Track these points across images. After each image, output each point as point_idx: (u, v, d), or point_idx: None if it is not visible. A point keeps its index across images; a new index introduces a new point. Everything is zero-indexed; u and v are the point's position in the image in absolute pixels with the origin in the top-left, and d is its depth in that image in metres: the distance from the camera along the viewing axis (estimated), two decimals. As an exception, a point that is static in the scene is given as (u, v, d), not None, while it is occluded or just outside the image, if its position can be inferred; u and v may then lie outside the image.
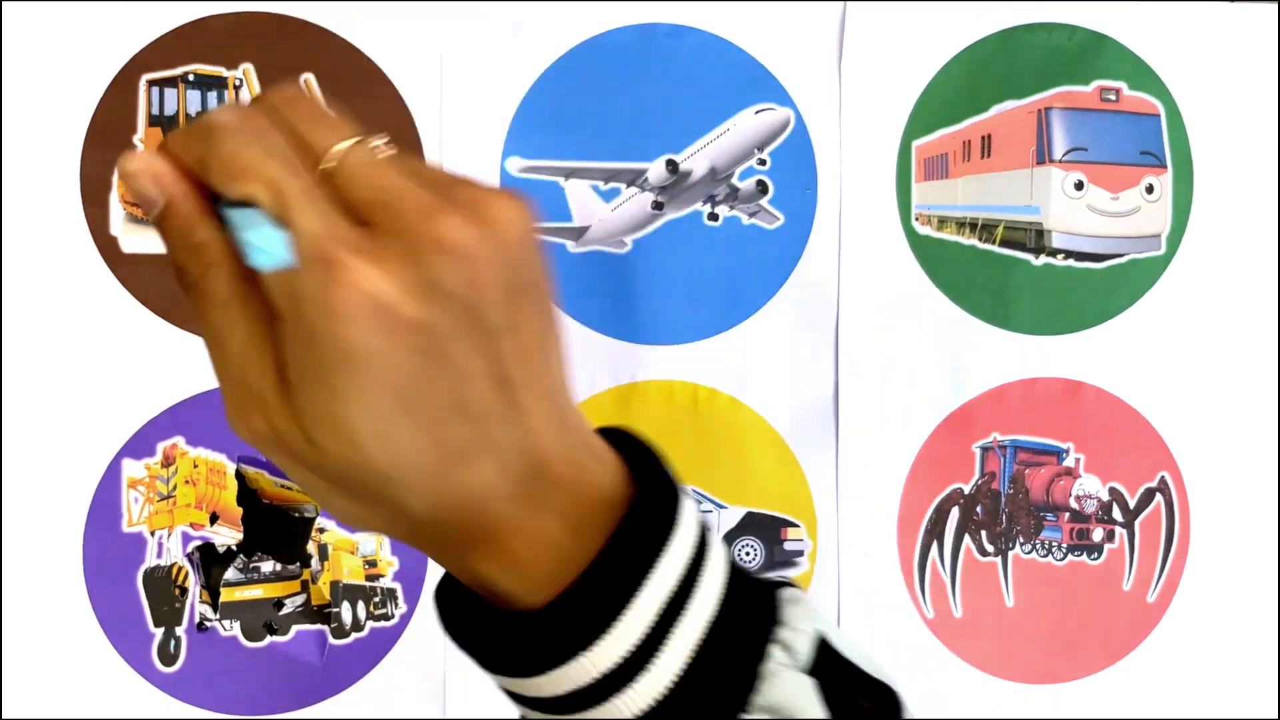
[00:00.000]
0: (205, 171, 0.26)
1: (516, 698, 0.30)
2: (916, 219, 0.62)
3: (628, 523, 0.29)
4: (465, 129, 0.59)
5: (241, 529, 0.59)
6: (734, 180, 0.61)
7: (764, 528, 0.62)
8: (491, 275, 0.26)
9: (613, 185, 0.60)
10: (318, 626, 0.60)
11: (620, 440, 0.32)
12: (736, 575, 0.31)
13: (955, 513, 0.63)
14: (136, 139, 0.57)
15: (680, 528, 0.30)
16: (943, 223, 0.62)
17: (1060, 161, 0.62)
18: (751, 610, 0.31)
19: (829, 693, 0.30)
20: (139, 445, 0.58)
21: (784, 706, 0.29)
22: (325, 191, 0.26)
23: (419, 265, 0.25)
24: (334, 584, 0.60)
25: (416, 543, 0.29)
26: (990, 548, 0.64)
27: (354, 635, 0.60)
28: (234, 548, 0.59)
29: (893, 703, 0.32)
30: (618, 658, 0.28)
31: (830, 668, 0.31)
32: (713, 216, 0.61)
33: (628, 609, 0.28)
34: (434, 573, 0.60)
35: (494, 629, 0.29)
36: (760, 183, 0.61)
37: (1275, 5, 0.62)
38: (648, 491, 0.30)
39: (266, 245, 0.25)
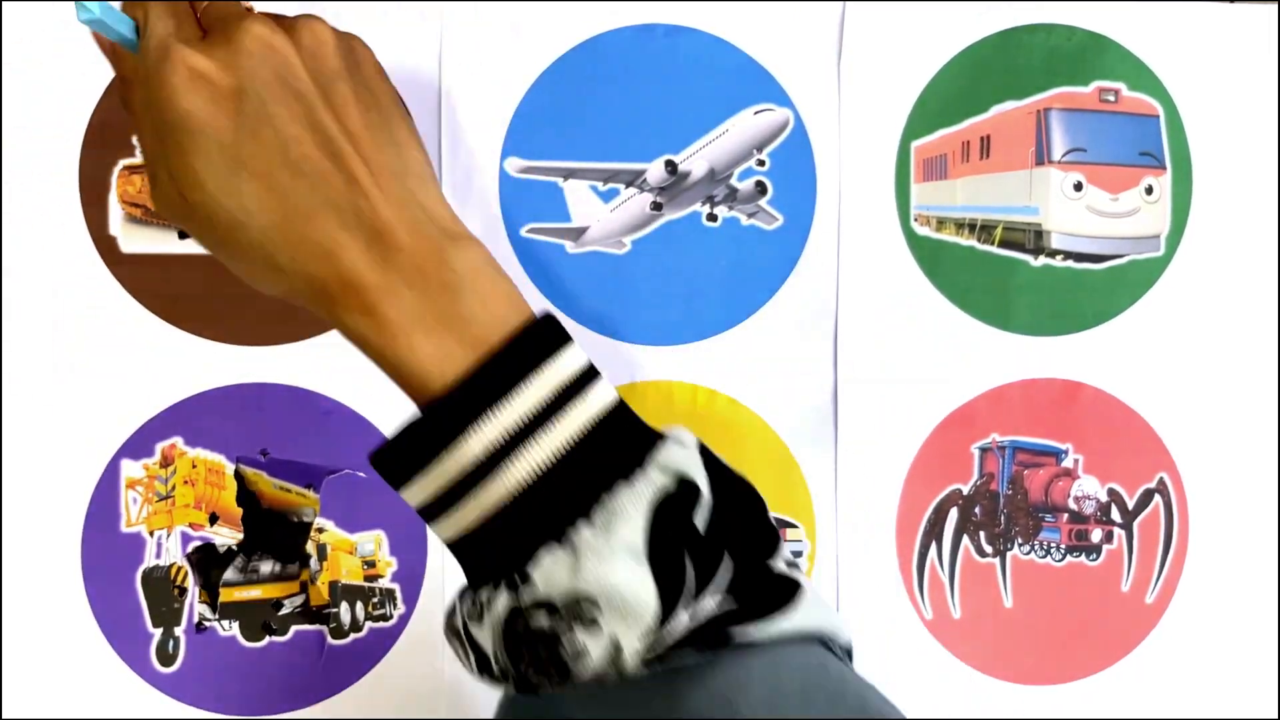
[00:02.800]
0: None
1: (439, 510, 0.37)
2: (915, 220, 0.62)
3: (529, 328, 0.36)
4: (464, 129, 0.59)
5: (240, 529, 0.59)
6: (733, 181, 0.61)
7: (763, 528, 0.62)
8: (296, 60, 0.36)
9: (611, 186, 0.60)
10: (316, 627, 0.60)
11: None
12: (624, 403, 0.38)
13: (954, 513, 0.63)
14: (135, 138, 0.57)
15: (574, 345, 0.37)
16: (942, 223, 0.62)
17: (1059, 162, 0.62)
18: (640, 421, 0.38)
19: (711, 472, 0.37)
20: (138, 445, 0.58)
21: (674, 464, 0.36)
22: (186, 17, 0.37)
23: (232, 46, 0.35)
24: (333, 584, 0.60)
25: (299, 298, 0.36)
26: (989, 548, 0.64)
27: (352, 636, 0.60)
28: (233, 548, 0.59)
29: (761, 501, 0.39)
30: (512, 425, 0.35)
31: (712, 459, 0.38)
32: (712, 217, 0.61)
33: (525, 385, 0.35)
34: (433, 573, 0.60)
35: (404, 431, 0.36)
36: (759, 183, 0.61)
37: (1275, 6, 0.62)
38: (548, 318, 0.37)
39: (121, 31, 0.36)
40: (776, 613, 0.36)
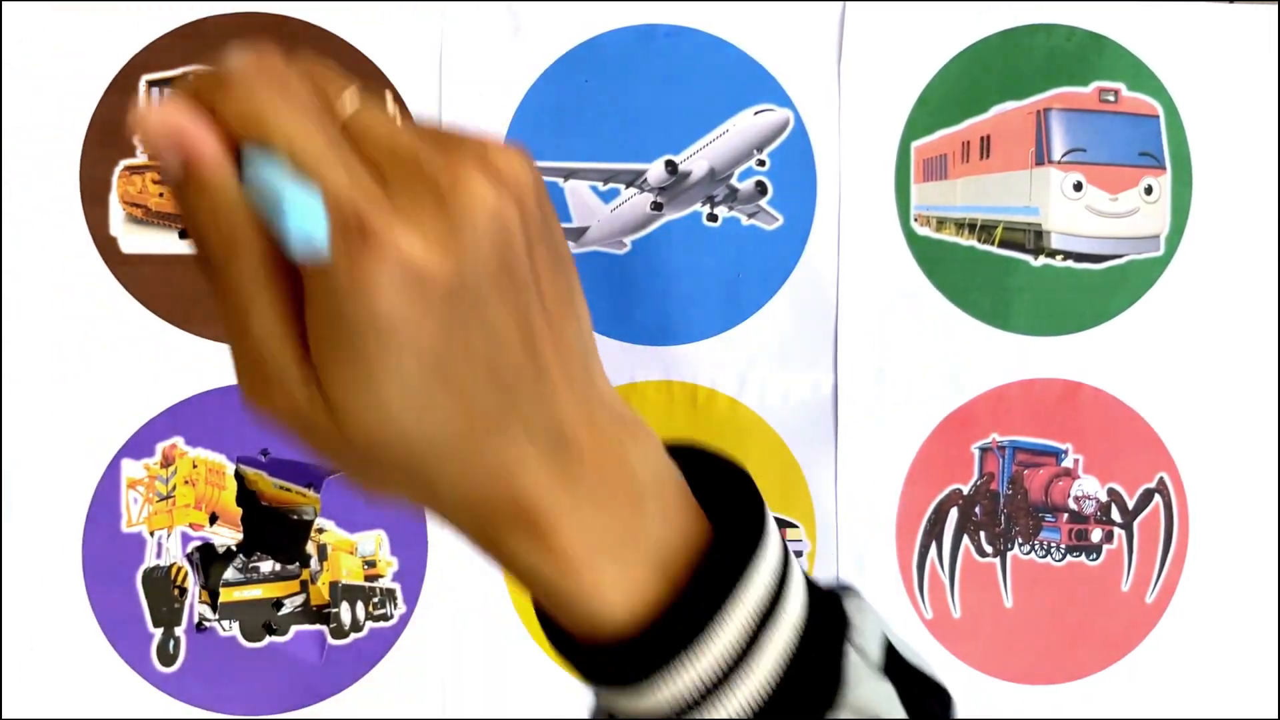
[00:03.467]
0: (219, 123, 0.23)
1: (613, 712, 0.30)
2: (915, 220, 0.62)
3: (721, 533, 0.29)
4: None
5: (241, 529, 0.59)
6: (733, 181, 0.61)
7: (763, 528, 0.62)
8: (517, 228, 0.25)
9: (612, 186, 0.60)
10: (317, 627, 0.60)
11: (697, 456, 0.31)
12: (810, 584, 0.31)
13: (954, 513, 0.63)
14: (136, 139, 0.57)
15: (768, 537, 0.29)
16: (942, 223, 0.62)
17: (1059, 162, 0.62)
18: (827, 616, 0.31)
19: (902, 694, 0.30)
20: (138, 445, 0.58)
21: (868, 708, 0.29)
22: (351, 154, 0.24)
23: (454, 220, 0.24)
24: (333, 584, 0.60)
25: (451, 518, 0.28)
26: (989, 548, 0.64)
27: (353, 635, 0.60)
28: (233, 548, 0.59)
29: (948, 702, 0.32)
30: (715, 668, 0.28)
31: (898, 669, 0.31)
32: (712, 217, 0.61)
33: (726, 615, 0.28)
34: (433, 573, 0.60)
35: (593, 643, 0.28)
36: (759, 183, 0.61)
37: (1275, 6, 0.62)
38: (737, 499, 0.30)
39: (302, 218, 0.22)
40: None
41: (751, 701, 0.28)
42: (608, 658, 0.28)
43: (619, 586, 0.28)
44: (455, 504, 0.27)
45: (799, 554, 0.62)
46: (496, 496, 0.27)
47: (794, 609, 0.29)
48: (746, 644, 0.28)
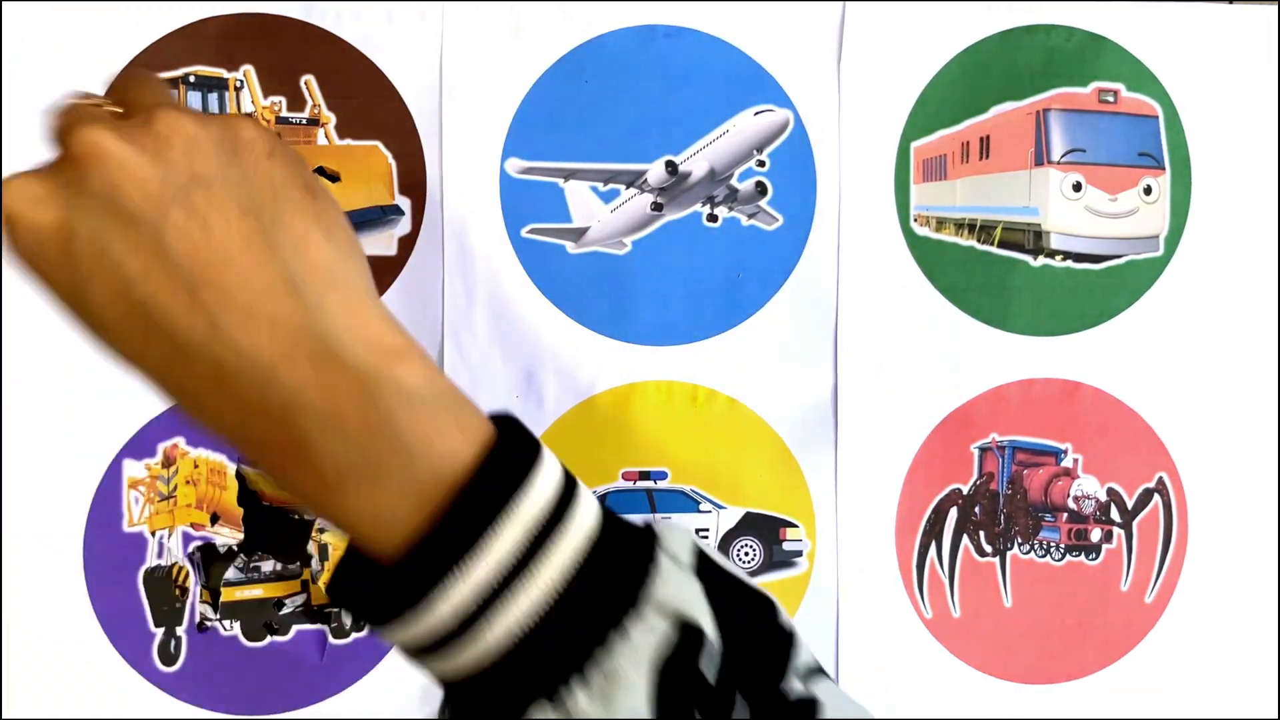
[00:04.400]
0: None
1: (420, 656, 0.31)
2: (915, 220, 0.62)
3: (499, 448, 0.31)
4: (465, 130, 0.59)
5: (242, 529, 0.59)
6: (733, 181, 0.61)
7: (763, 528, 0.62)
8: (137, 174, 0.29)
9: (612, 186, 0.60)
10: (318, 626, 0.60)
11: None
12: (611, 512, 0.33)
13: (954, 513, 0.64)
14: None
15: (542, 462, 0.31)
16: (941, 224, 0.62)
17: (1058, 163, 0.62)
18: (632, 532, 0.33)
19: (712, 594, 0.32)
20: (140, 445, 0.58)
21: (670, 602, 0.31)
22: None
23: (59, 176, 0.30)
24: (334, 584, 0.60)
25: (212, 431, 0.31)
26: (988, 548, 0.64)
27: (354, 635, 0.60)
28: (234, 548, 0.59)
29: (770, 608, 0.34)
30: (490, 578, 0.29)
31: (711, 573, 0.33)
32: (712, 218, 0.61)
33: (497, 529, 0.30)
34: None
35: (363, 579, 0.30)
36: (759, 184, 0.61)
37: (1275, 6, 0.62)
38: (510, 429, 0.32)
39: None
40: None
41: (541, 604, 0.30)
42: (382, 581, 0.30)
43: (383, 511, 0.29)
44: (205, 420, 0.31)
45: (799, 554, 0.62)
46: (239, 439, 0.30)
47: (584, 521, 0.31)
48: (525, 554, 0.30)
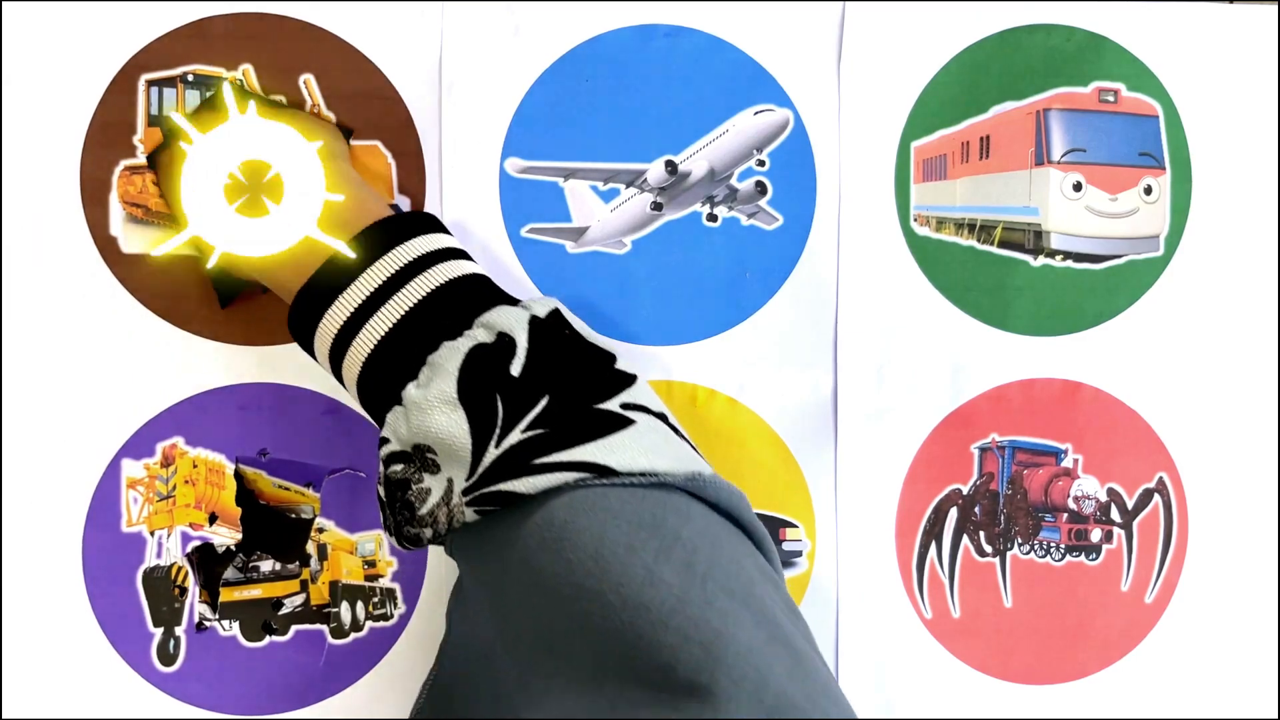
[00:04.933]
0: None
1: (335, 367, 0.46)
2: (915, 220, 0.62)
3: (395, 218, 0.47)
4: (465, 129, 0.59)
5: (240, 529, 0.59)
6: (733, 181, 0.61)
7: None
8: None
9: (612, 186, 0.60)
10: (317, 626, 0.60)
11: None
12: (483, 281, 0.46)
13: (954, 513, 0.64)
14: (136, 139, 0.57)
15: (430, 238, 0.46)
16: (941, 224, 0.62)
17: (1059, 163, 0.62)
18: (493, 292, 0.45)
19: (542, 325, 0.43)
20: (138, 445, 0.58)
21: (497, 322, 0.42)
22: None
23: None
24: (333, 584, 0.60)
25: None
26: (988, 548, 0.64)
27: (353, 635, 0.60)
28: (233, 548, 0.59)
29: (607, 356, 0.44)
30: (346, 313, 0.44)
31: (560, 324, 0.44)
32: (712, 217, 0.61)
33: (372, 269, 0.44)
34: (433, 573, 0.60)
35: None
36: (759, 184, 0.61)
37: (1275, 6, 0.62)
38: (400, 221, 0.47)
39: None
40: (588, 441, 0.39)
41: (387, 326, 0.43)
42: (292, 310, 0.46)
43: (297, 259, 0.46)
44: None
45: (799, 554, 0.62)
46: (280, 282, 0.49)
47: (440, 277, 0.44)
48: (372, 297, 0.44)
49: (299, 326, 0.47)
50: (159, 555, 0.58)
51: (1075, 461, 0.64)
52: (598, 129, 0.60)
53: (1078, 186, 0.62)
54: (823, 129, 0.61)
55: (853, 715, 0.36)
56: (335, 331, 0.45)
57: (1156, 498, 0.64)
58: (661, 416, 0.44)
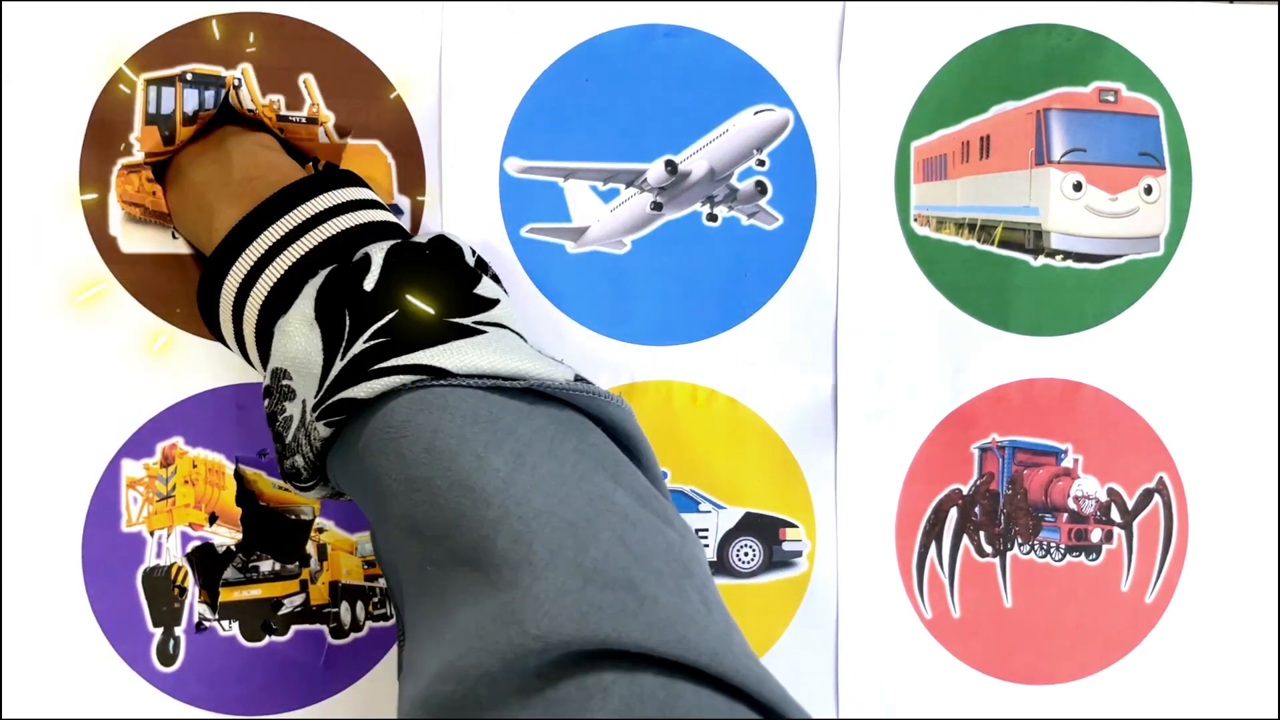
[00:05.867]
0: None
1: (237, 336, 0.47)
2: (915, 220, 0.62)
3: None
4: (464, 129, 0.59)
5: (240, 529, 0.59)
6: (733, 181, 0.61)
7: (763, 528, 0.62)
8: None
9: (612, 186, 0.60)
10: (316, 626, 0.60)
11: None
12: (394, 227, 0.49)
13: (954, 513, 0.63)
14: (133, 137, 0.57)
15: (342, 190, 0.48)
16: (941, 223, 0.62)
17: (1059, 162, 0.62)
18: (387, 230, 0.48)
19: (406, 248, 0.44)
20: (138, 445, 0.58)
21: (364, 251, 0.44)
22: None
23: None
24: (333, 584, 0.60)
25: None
26: (989, 548, 0.64)
27: (353, 635, 0.60)
28: (232, 548, 0.59)
29: (470, 272, 0.45)
30: (255, 258, 0.45)
31: (432, 247, 0.46)
32: (712, 217, 0.61)
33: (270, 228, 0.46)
34: (433, 573, 0.60)
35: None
36: (759, 183, 0.61)
37: (1275, 6, 0.62)
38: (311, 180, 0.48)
39: None
40: (429, 347, 0.40)
41: (283, 267, 0.44)
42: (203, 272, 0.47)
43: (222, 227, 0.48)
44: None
45: (798, 554, 0.62)
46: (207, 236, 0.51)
47: (353, 220, 0.46)
48: (270, 250, 0.45)
49: (205, 299, 0.47)
50: (159, 555, 0.58)
51: (1075, 462, 0.64)
52: (598, 129, 0.60)
53: (1078, 186, 0.62)
54: (823, 129, 0.61)
55: (682, 584, 0.36)
56: (235, 288, 0.45)
57: (1157, 498, 0.64)
58: (521, 338, 0.45)
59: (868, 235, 0.61)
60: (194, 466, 0.58)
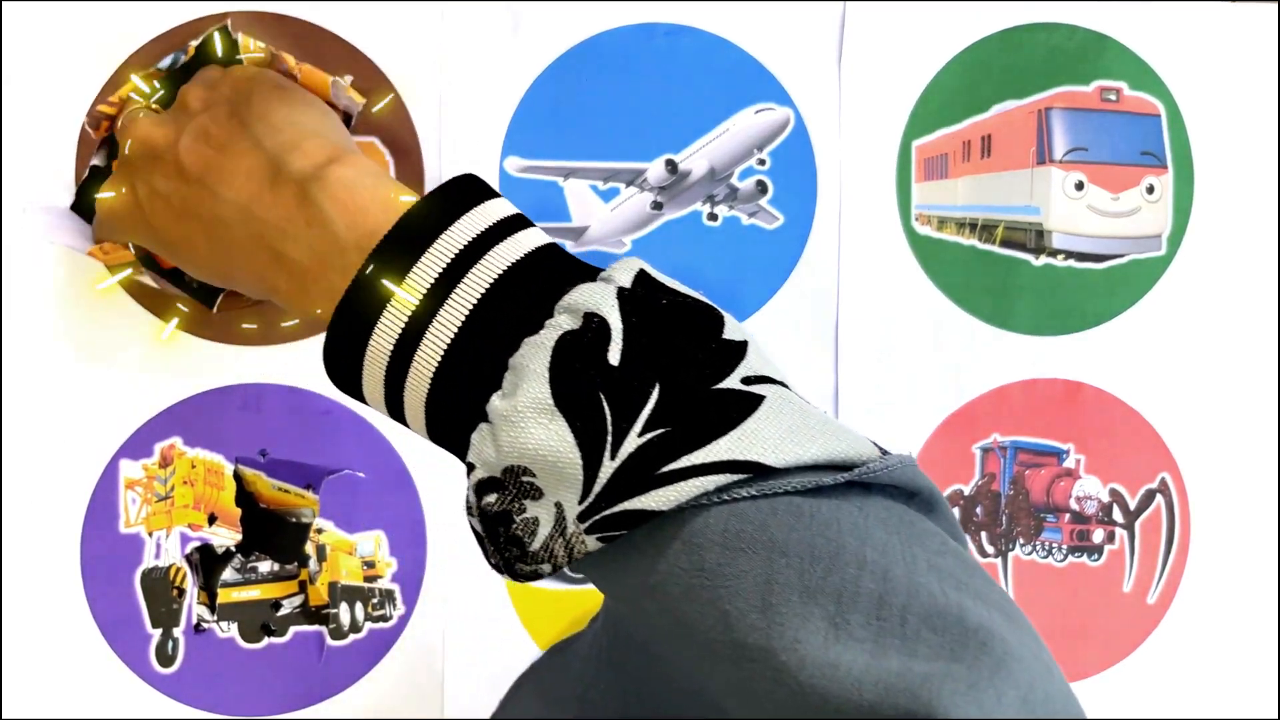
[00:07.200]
0: None
1: (391, 406, 0.38)
2: (916, 219, 0.62)
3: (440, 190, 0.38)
4: (464, 129, 0.59)
5: (239, 530, 0.59)
6: (733, 180, 0.60)
7: (763, 529, 0.62)
8: (157, 131, 0.46)
9: (612, 185, 0.60)
10: (315, 628, 0.59)
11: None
12: (553, 250, 0.37)
13: (955, 514, 0.63)
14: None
15: (478, 210, 0.37)
16: (943, 223, 0.62)
17: (1060, 162, 0.62)
18: (569, 265, 0.37)
19: (631, 297, 0.34)
20: (137, 446, 0.58)
21: (580, 303, 0.34)
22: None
23: (123, 170, 0.48)
24: (332, 585, 0.59)
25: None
26: (990, 549, 0.64)
27: (352, 636, 0.60)
28: (231, 549, 0.59)
29: (716, 318, 0.35)
30: (398, 325, 0.36)
31: (650, 288, 0.35)
32: (712, 216, 0.61)
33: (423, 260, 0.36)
34: (432, 574, 0.60)
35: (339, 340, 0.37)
36: (760, 183, 0.61)
37: (1275, 5, 0.62)
38: (446, 191, 0.38)
39: None
40: (721, 435, 0.32)
41: (450, 335, 0.35)
42: (328, 342, 0.37)
43: (332, 292, 0.37)
44: (233, 273, 0.44)
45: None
46: (240, 260, 0.42)
47: (514, 248, 0.36)
48: (426, 301, 0.35)
49: (340, 354, 0.37)
50: (157, 556, 0.58)
51: (1077, 462, 0.64)
52: (597, 128, 0.59)
53: (1079, 186, 0.62)
54: (824, 128, 0.61)
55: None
56: (388, 355, 0.36)
57: (1159, 498, 0.64)
58: (785, 385, 0.36)
59: (869, 235, 0.61)
60: (193, 467, 0.58)
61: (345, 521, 0.60)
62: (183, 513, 0.58)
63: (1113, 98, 0.62)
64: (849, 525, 0.31)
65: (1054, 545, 0.64)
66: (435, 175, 0.58)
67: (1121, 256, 0.63)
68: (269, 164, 0.41)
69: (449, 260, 0.35)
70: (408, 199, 0.38)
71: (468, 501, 0.35)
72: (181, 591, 0.58)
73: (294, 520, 0.59)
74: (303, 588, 0.59)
